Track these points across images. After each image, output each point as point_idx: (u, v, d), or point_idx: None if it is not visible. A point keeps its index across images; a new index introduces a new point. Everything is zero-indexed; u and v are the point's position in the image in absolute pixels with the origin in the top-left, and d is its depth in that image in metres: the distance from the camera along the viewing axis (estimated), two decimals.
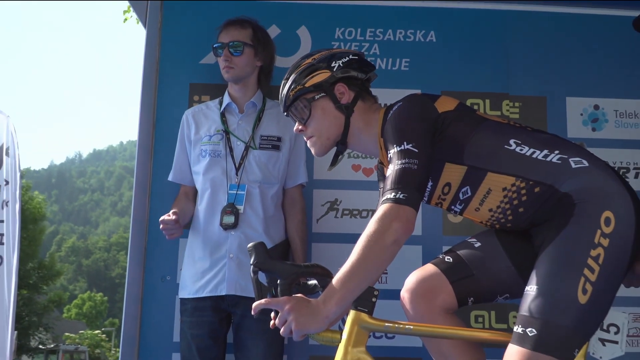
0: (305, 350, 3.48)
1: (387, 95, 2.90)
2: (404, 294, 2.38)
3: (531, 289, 2.03)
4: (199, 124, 3.46)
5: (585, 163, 2.14)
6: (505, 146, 2.20)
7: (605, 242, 2.01)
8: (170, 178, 3.45)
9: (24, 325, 27.63)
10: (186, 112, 3.52)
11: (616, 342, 2.23)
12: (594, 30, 3.83)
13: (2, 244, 5.49)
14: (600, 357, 2.22)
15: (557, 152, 2.17)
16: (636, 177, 3.68)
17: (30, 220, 28.03)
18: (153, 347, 3.48)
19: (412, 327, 2.23)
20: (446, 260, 2.38)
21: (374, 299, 2.18)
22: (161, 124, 3.68)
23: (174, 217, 3.08)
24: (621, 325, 2.23)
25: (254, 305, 2.16)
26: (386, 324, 2.19)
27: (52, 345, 35.43)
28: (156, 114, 3.69)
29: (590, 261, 1.99)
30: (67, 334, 43.29)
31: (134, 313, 3.48)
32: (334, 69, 2.42)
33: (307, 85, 2.42)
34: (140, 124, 3.63)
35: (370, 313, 2.18)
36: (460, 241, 2.47)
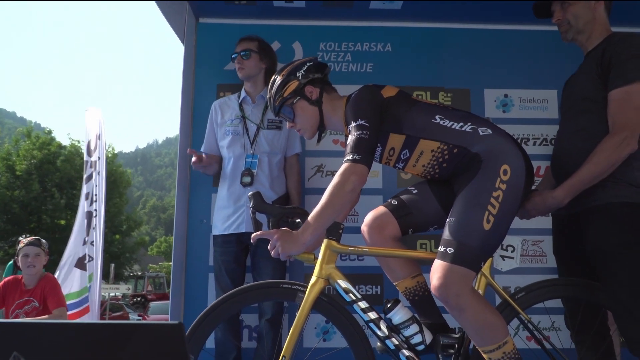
0: (301, 270, 3.45)
1: None
2: (363, 227, 2.35)
3: (451, 220, 2.00)
4: (224, 111, 3.40)
5: (490, 131, 2.11)
6: (433, 120, 2.15)
7: (503, 186, 1.98)
8: (202, 149, 3.39)
9: (119, 259, 27.78)
10: (214, 103, 3.46)
11: (512, 258, 2.20)
12: (504, 40, 3.74)
13: (96, 201, 5.57)
14: (501, 268, 2.20)
15: (469, 124, 2.12)
16: (534, 144, 3.61)
17: (121, 186, 28.13)
18: (195, 269, 3.45)
19: (368, 249, 2.22)
20: (393, 203, 2.34)
21: (340, 231, 2.17)
22: (197, 112, 3.61)
23: (203, 156, 3.18)
24: (516, 246, 2.21)
25: (252, 235, 2.14)
26: (349, 248, 2.18)
27: (139, 273, 35.76)
28: (193, 105, 3.62)
29: (492, 200, 1.97)
30: (150, 265, 43.64)
31: (182, 246, 3.45)
32: (299, 78, 2.34)
33: (285, 95, 2.35)
34: (181, 113, 3.56)
35: (337, 240, 2.16)
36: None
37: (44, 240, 4.51)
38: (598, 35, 2.33)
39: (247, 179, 3.21)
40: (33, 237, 4.49)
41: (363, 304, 2.14)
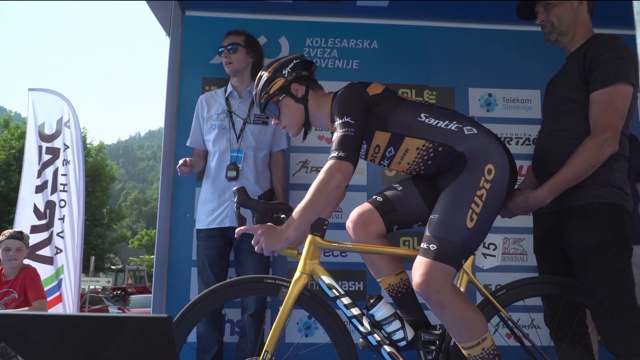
0: (285, 265, 3.45)
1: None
2: (348, 224, 2.36)
3: (434, 217, 2.01)
4: (210, 105, 3.39)
5: (475, 130, 2.12)
6: (418, 118, 2.16)
7: (487, 185, 2.00)
8: (188, 144, 3.39)
9: (98, 252, 27.53)
10: (200, 97, 3.45)
11: (494, 256, 2.23)
12: (489, 40, 3.79)
13: (66, 191, 5.46)
14: (482, 266, 2.23)
15: (455, 122, 2.14)
16: (517, 144, 3.66)
17: (104, 179, 27.84)
18: (177, 263, 3.44)
19: (351, 246, 2.24)
20: (378, 199, 2.35)
21: (325, 227, 2.18)
22: (182, 105, 3.59)
23: (188, 160, 3.15)
24: (498, 244, 2.23)
25: (236, 230, 2.14)
26: (333, 244, 2.19)
27: (120, 266, 35.53)
28: (179, 98, 3.60)
29: (476, 198, 1.98)
30: (131, 258, 43.31)
31: (164, 240, 3.43)
32: (286, 75, 2.33)
33: (270, 92, 2.33)
34: (166, 106, 3.54)
35: (322, 236, 2.17)
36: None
37: (26, 233, 4.46)
38: (581, 37, 2.35)
39: (233, 173, 3.21)
40: (15, 230, 4.44)
41: (346, 300, 2.15)
